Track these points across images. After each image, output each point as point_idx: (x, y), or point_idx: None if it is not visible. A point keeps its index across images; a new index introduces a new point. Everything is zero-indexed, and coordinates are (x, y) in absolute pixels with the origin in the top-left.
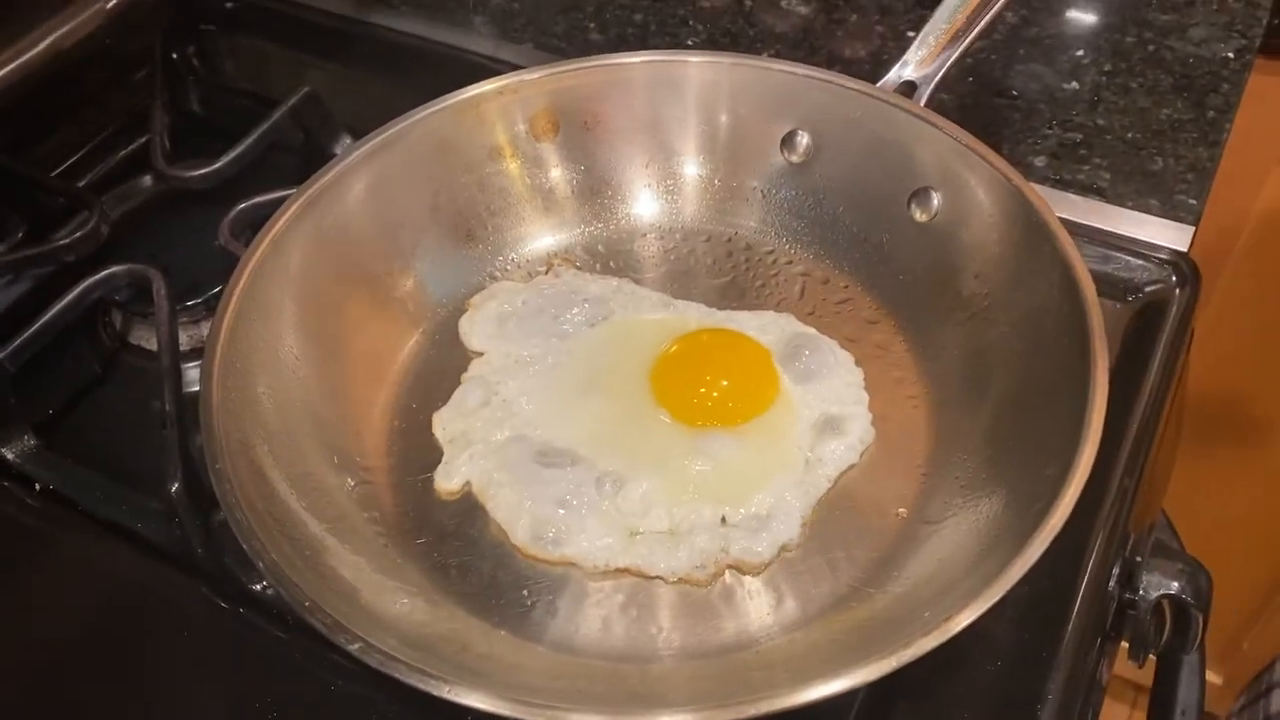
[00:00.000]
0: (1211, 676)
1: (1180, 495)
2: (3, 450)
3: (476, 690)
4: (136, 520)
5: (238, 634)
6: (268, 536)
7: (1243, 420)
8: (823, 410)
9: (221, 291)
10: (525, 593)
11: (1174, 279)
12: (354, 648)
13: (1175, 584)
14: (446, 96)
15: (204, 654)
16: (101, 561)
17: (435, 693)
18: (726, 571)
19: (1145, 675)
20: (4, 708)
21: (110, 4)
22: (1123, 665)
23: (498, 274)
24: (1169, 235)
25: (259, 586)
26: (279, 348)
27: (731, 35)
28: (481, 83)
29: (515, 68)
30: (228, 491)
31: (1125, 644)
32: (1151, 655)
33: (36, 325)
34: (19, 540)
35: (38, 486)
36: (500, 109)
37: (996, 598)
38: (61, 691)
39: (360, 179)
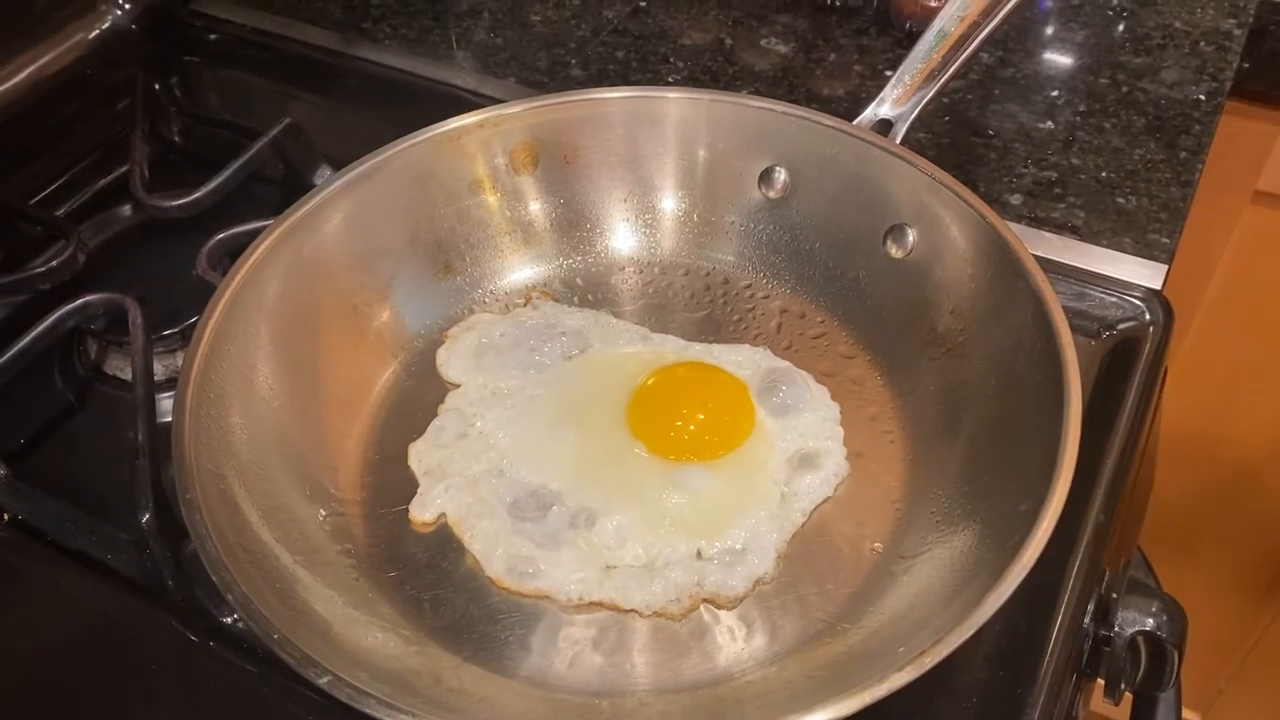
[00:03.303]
0: (1191, 715)
1: (1156, 534)
2: None
3: None
4: (106, 551)
5: (207, 667)
6: (238, 568)
7: (1217, 459)
8: (798, 445)
9: (198, 322)
10: (499, 626)
11: (1148, 316)
12: (323, 681)
13: (1151, 621)
14: (426, 129)
15: (173, 687)
16: (70, 593)
17: None
18: (701, 605)
19: (1122, 714)
20: None
21: (92, 34)
22: (1099, 703)
23: (476, 306)
24: (1142, 273)
25: (229, 620)
26: (254, 378)
27: (712, 73)
28: (462, 116)
29: (497, 102)
30: (198, 522)
31: (1101, 682)
32: (1127, 693)
33: (10, 353)
34: None
35: (6, 516)
36: (480, 142)
37: (970, 633)
38: None
39: (339, 210)
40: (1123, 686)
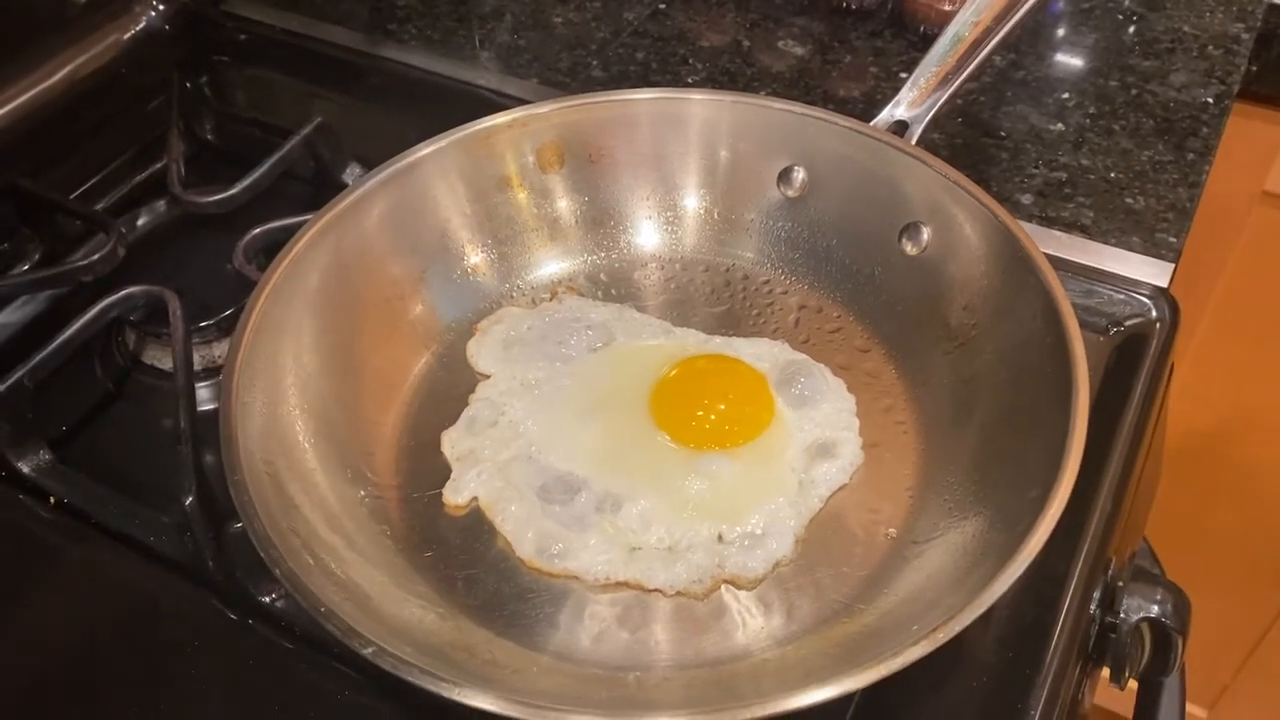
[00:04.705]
0: (1197, 711)
1: (1164, 527)
2: (18, 464)
3: (484, 693)
4: (149, 533)
5: (246, 645)
6: (284, 545)
7: (1226, 455)
8: (816, 434)
9: (234, 313)
10: (528, 604)
11: (1154, 313)
12: (368, 651)
13: (1155, 608)
14: (458, 129)
15: (213, 664)
16: (113, 573)
17: (445, 694)
18: (722, 586)
19: (1128, 700)
20: (15, 718)
21: (127, 35)
22: (1106, 696)
23: (504, 300)
24: (1150, 271)
25: (268, 599)
26: (295, 365)
27: (730, 74)
28: (492, 116)
29: (520, 102)
30: (246, 502)
31: (1107, 670)
32: (1132, 680)
33: (55, 343)
34: (32, 551)
35: (52, 499)
36: (510, 141)
37: (980, 611)
38: (72, 702)
39: (376, 206)
40: (1128, 672)
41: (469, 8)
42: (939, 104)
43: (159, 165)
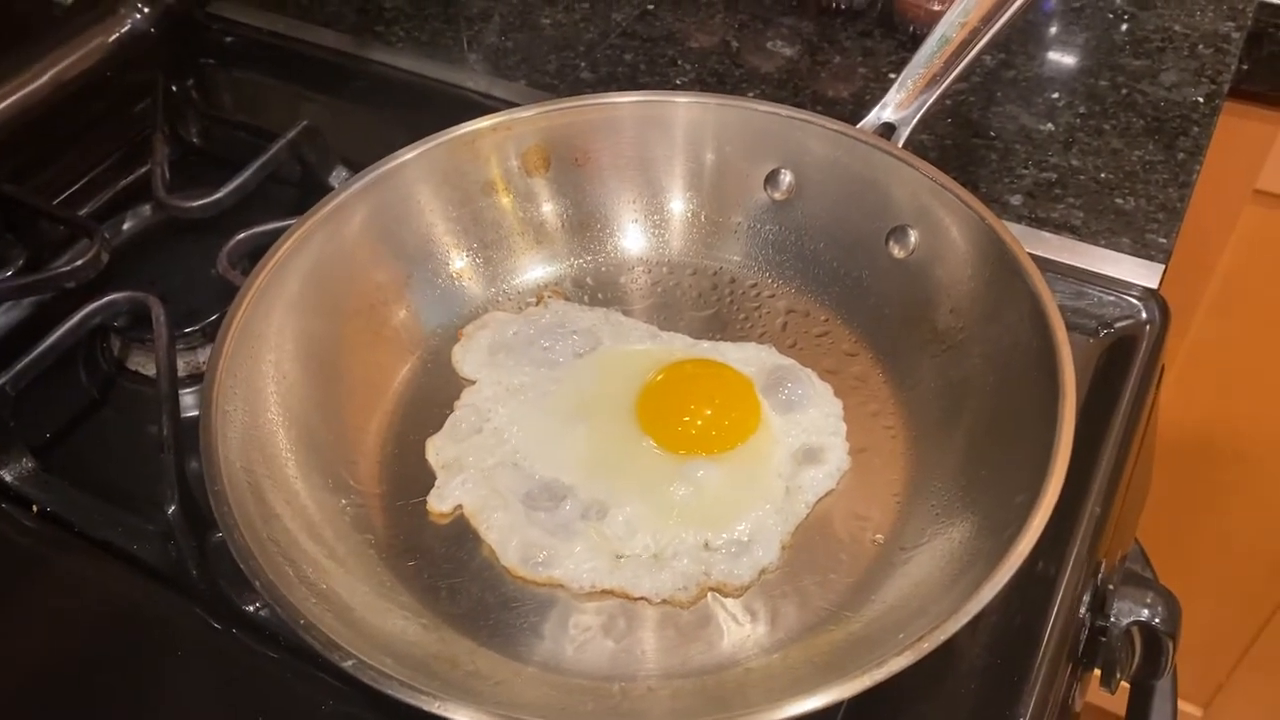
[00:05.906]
0: (1192, 710)
1: (1156, 529)
2: (1, 472)
3: (466, 706)
4: (132, 542)
5: (230, 654)
6: (265, 557)
7: (1218, 456)
8: (802, 440)
9: (219, 319)
10: (513, 613)
11: (1144, 314)
12: (348, 665)
13: (1146, 611)
14: (443, 132)
15: (196, 674)
16: (96, 582)
17: (426, 708)
18: (708, 594)
19: (1119, 703)
20: None
21: (111, 38)
22: (1098, 696)
23: (489, 305)
24: (1140, 273)
25: (252, 608)
26: (277, 373)
27: (719, 75)
28: (476, 119)
29: (508, 104)
30: (226, 513)
31: (1098, 672)
32: (1124, 683)
33: (37, 350)
34: (15, 560)
35: (35, 508)
36: (494, 145)
37: (966, 620)
38: (55, 711)
39: (358, 211)
40: (1118, 676)
41: (456, 9)
42: (926, 106)
43: (144, 169)
